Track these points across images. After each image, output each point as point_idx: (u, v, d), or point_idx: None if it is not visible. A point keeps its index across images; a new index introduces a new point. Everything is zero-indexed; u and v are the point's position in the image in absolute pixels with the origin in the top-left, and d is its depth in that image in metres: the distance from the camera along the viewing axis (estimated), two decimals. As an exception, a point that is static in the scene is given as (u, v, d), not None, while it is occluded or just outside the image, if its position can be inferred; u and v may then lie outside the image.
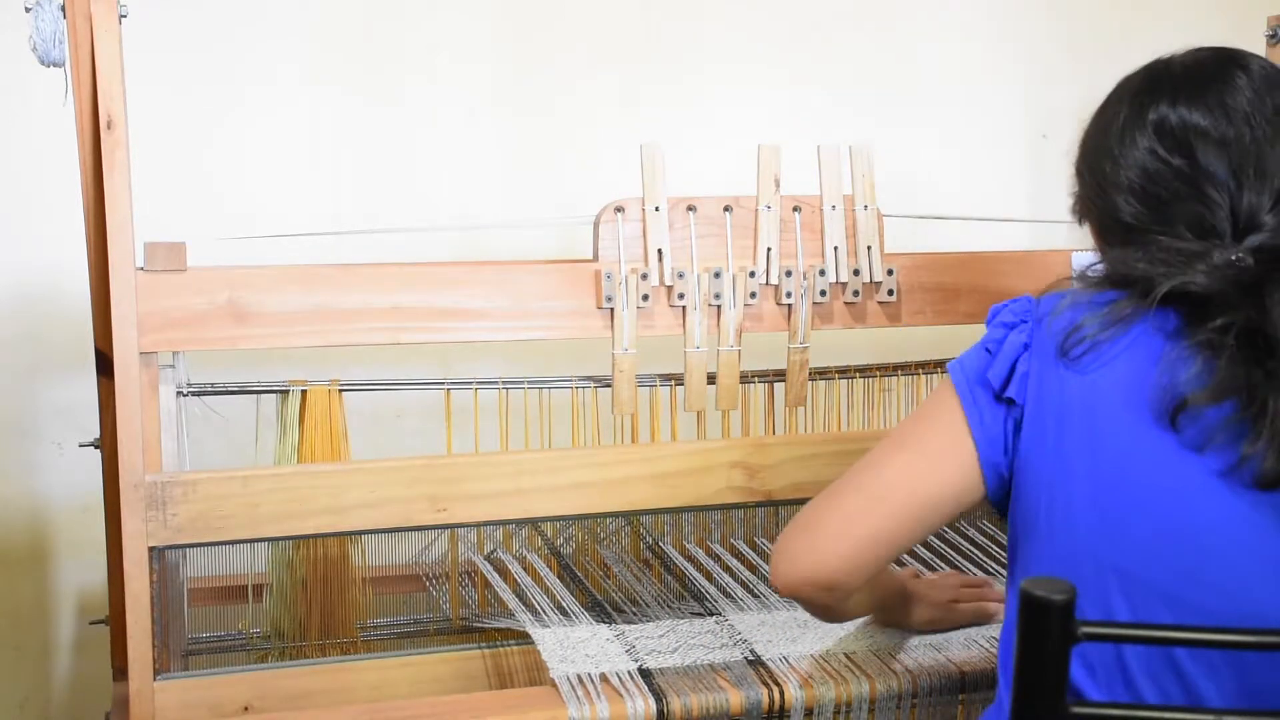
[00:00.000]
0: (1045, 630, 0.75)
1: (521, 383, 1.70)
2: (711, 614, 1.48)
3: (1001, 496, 1.13)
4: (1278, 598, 1.00)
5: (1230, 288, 1.02)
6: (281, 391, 1.66)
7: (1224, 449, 1.00)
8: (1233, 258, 1.04)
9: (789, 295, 1.57)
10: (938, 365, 1.80)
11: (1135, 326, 1.05)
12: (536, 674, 1.43)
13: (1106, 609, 1.03)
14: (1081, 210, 1.19)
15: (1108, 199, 1.12)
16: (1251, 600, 1.01)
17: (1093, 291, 1.09)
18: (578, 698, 1.28)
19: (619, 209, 1.53)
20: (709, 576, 1.59)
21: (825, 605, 1.20)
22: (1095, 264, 1.12)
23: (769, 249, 1.56)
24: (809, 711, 1.30)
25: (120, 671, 1.43)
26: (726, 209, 1.56)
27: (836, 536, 1.13)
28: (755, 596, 1.53)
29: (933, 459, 1.13)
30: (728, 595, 1.54)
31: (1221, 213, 1.07)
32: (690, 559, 1.64)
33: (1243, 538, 1.01)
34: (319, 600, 1.67)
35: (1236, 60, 1.14)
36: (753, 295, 1.57)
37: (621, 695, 1.28)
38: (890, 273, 1.61)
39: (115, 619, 1.45)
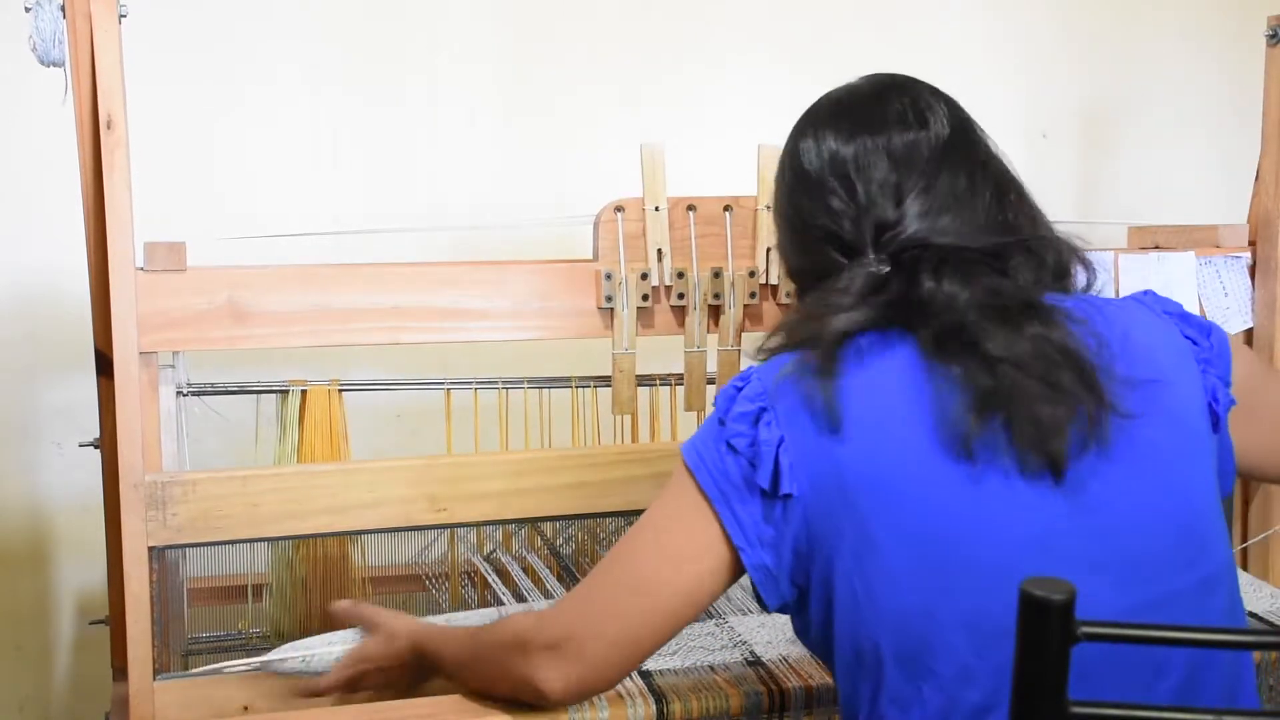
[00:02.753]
0: (1045, 630, 0.75)
1: (521, 383, 1.70)
2: (711, 615, 1.48)
3: (777, 592, 1.09)
4: (1087, 579, 0.98)
5: (897, 308, 1.05)
6: (281, 391, 1.66)
7: (995, 457, 1.01)
8: (872, 269, 1.08)
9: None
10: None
11: (858, 372, 1.05)
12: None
13: (956, 659, 1.01)
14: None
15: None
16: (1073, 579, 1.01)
17: (813, 354, 1.07)
18: (578, 698, 1.27)
19: (619, 209, 1.53)
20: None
21: None
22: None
23: (769, 249, 1.56)
24: (808, 711, 1.30)
25: (120, 671, 1.43)
26: (726, 209, 1.56)
27: (601, 664, 1.11)
28: (755, 598, 1.53)
29: (690, 562, 1.08)
30: (727, 596, 1.53)
31: (852, 227, 1.10)
32: (690, 559, 1.63)
33: (1042, 535, 1.01)
34: (319, 600, 1.67)
35: (892, 83, 1.16)
36: (752, 295, 1.57)
37: (621, 696, 1.28)
38: (890, 273, 1.61)
39: (115, 619, 1.45)
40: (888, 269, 1.08)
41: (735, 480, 1.06)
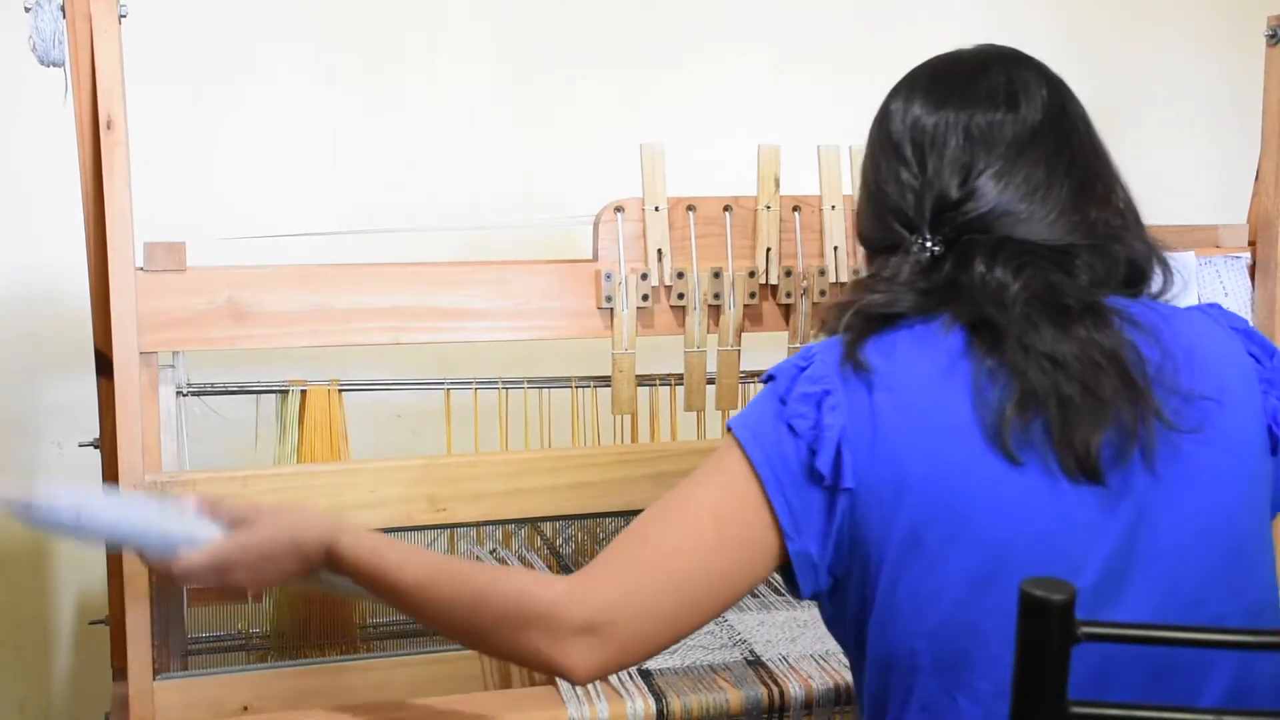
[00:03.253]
0: (1045, 630, 0.75)
1: (521, 383, 1.70)
2: (711, 614, 1.48)
3: (813, 581, 1.04)
4: (1132, 599, 0.98)
5: (945, 293, 1.02)
6: (281, 391, 1.66)
7: (1038, 457, 0.98)
8: (927, 249, 1.05)
9: (789, 295, 1.57)
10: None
11: (924, 361, 1.01)
12: (536, 674, 1.43)
13: (997, 674, 0.97)
14: None
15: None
16: (1117, 597, 0.98)
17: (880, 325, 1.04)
18: (577, 698, 1.28)
19: (619, 209, 1.53)
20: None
21: None
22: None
23: (769, 249, 1.56)
24: (809, 710, 1.30)
25: (120, 671, 1.43)
26: (726, 209, 1.56)
27: (639, 647, 1.03)
28: (754, 596, 1.53)
29: (738, 548, 1.02)
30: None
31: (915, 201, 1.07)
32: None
33: (1089, 549, 0.98)
34: (319, 600, 1.67)
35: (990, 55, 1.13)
36: (752, 295, 1.57)
37: (621, 695, 1.28)
38: (890, 273, 1.61)
39: (115, 619, 1.45)
40: (940, 250, 1.05)
41: (791, 464, 1.01)
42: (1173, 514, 0.99)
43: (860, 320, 1.04)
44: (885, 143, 1.10)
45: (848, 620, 1.06)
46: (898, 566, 1.00)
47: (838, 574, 1.04)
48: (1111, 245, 1.06)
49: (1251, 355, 1.08)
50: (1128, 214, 1.09)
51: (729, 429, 1.05)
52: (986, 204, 1.04)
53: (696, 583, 1.02)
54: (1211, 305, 1.13)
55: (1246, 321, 1.12)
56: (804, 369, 1.03)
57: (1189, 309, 1.11)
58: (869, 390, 1.01)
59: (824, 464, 0.99)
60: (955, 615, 0.98)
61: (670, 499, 1.05)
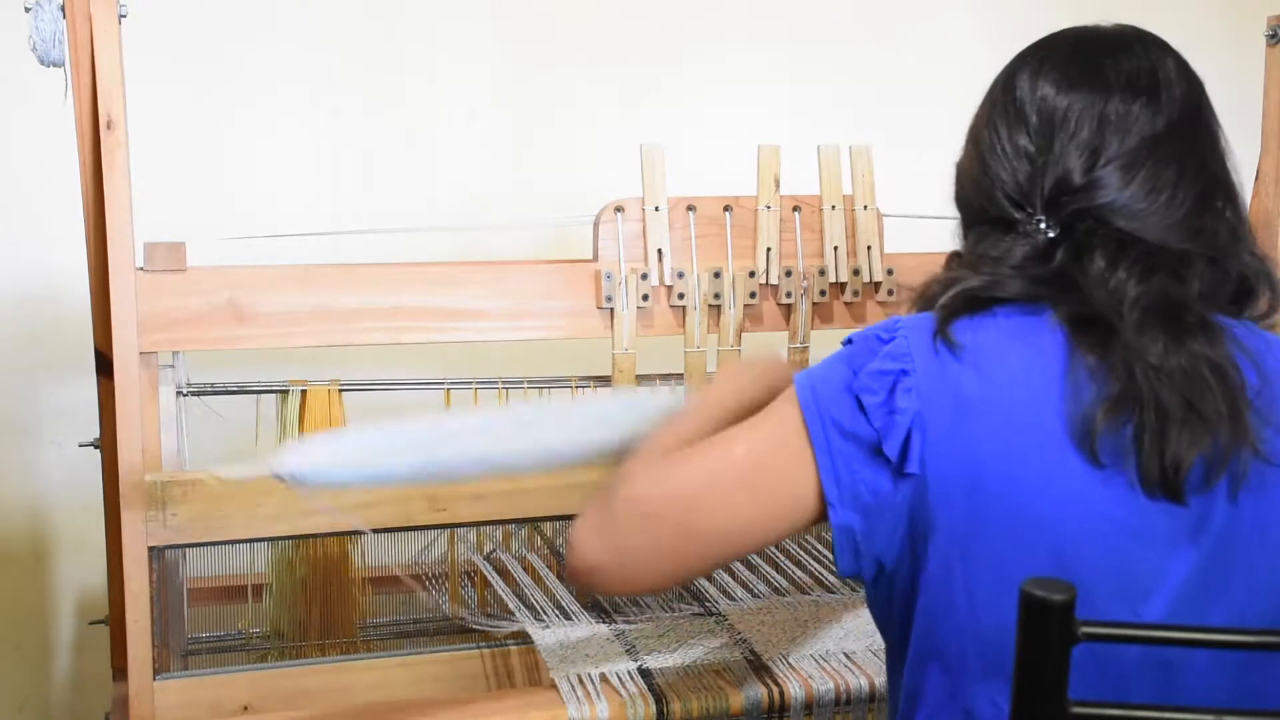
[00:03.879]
0: (1045, 630, 0.75)
1: (521, 383, 1.70)
2: (711, 614, 1.49)
3: (854, 560, 1.00)
4: (1213, 619, 0.96)
5: (1056, 282, 0.99)
6: (281, 391, 1.66)
7: (1123, 467, 0.95)
8: (1035, 236, 1.01)
9: (789, 295, 1.58)
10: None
11: (1017, 344, 0.98)
12: (536, 674, 1.43)
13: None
14: None
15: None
16: (1194, 617, 0.96)
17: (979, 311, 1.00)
18: (577, 698, 1.28)
19: (619, 209, 1.53)
20: (708, 576, 1.59)
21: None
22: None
23: (769, 249, 1.56)
24: (809, 711, 1.30)
25: (120, 671, 1.43)
26: (726, 209, 1.56)
27: (640, 584, 1.03)
28: (755, 596, 1.53)
29: (774, 513, 0.99)
30: (727, 595, 1.54)
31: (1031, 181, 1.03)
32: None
33: (1160, 571, 0.96)
34: (319, 600, 1.67)
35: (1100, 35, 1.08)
36: (753, 295, 1.57)
37: (621, 695, 1.28)
38: (890, 273, 1.61)
39: (115, 619, 1.45)
40: (1053, 235, 1.01)
41: (848, 435, 0.97)
42: (1252, 548, 0.97)
43: (960, 300, 1.00)
44: (1009, 108, 1.05)
45: (894, 606, 1.03)
46: (956, 560, 0.97)
47: (882, 563, 1.01)
48: (1226, 259, 1.02)
49: None
50: (1241, 228, 1.06)
51: (793, 381, 1.02)
52: (1107, 195, 1.00)
53: (714, 531, 1.00)
54: None
55: None
56: (885, 343, 0.99)
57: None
58: (957, 372, 0.97)
59: (892, 448, 0.96)
60: (1013, 622, 0.97)
61: (725, 453, 1.01)
